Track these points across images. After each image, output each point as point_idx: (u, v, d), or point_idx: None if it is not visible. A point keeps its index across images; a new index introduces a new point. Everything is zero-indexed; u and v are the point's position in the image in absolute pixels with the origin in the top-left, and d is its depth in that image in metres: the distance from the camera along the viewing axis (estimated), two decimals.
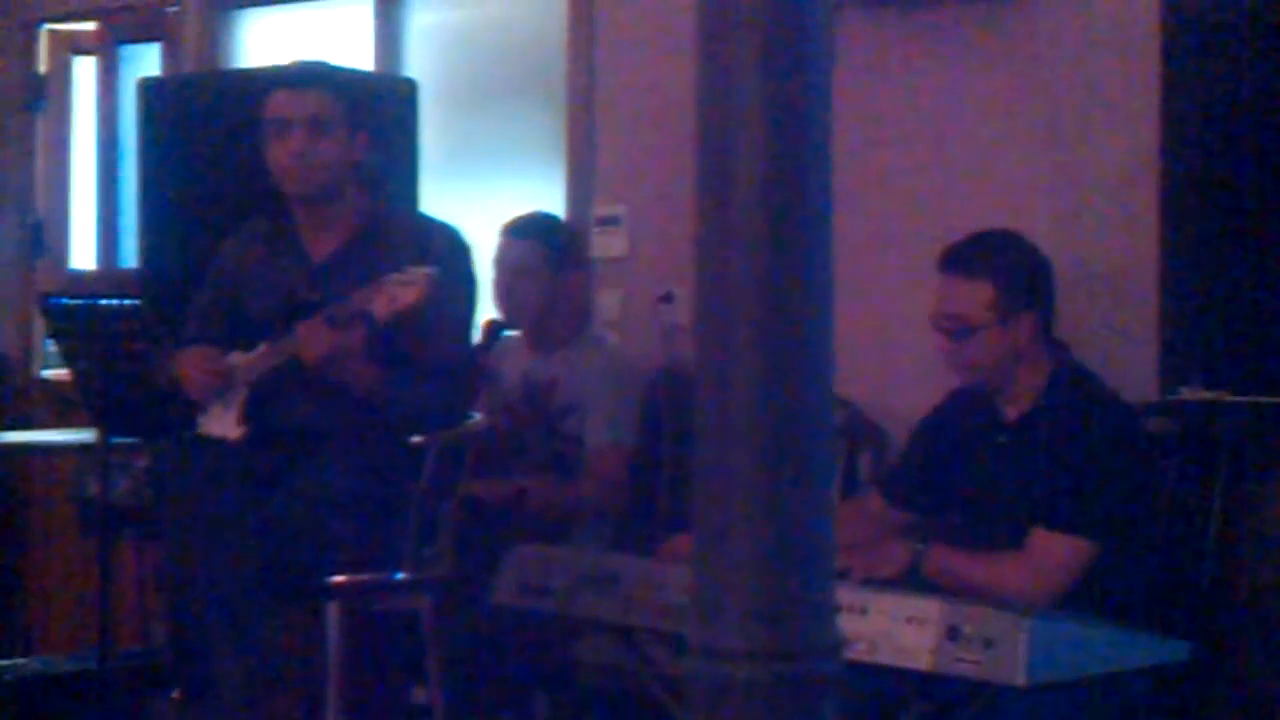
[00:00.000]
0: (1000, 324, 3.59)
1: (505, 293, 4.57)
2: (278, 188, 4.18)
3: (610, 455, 4.46)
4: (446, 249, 4.12)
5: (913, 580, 3.44)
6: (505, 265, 4.58)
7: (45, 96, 6.60)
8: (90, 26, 6.49)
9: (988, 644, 2.87)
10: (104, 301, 4.32)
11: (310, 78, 4.17)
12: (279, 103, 4.12)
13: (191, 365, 4.12)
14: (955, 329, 3.63)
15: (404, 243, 4.09)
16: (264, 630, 3.89)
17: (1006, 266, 3.62)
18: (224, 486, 3.96)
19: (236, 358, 4.13)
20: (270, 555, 3.88)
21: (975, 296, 3.60)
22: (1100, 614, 3.36)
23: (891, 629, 2.97)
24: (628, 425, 4.48)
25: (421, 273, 3.79)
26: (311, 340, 3.92)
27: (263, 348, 4.07)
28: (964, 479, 3.71)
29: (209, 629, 3.87)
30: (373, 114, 4.29)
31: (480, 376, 4.38)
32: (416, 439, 4.00)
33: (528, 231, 4.61)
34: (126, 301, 4.31)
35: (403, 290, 3.77)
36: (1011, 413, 3.66)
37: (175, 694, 4.25)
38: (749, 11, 1.65)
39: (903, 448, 3.94)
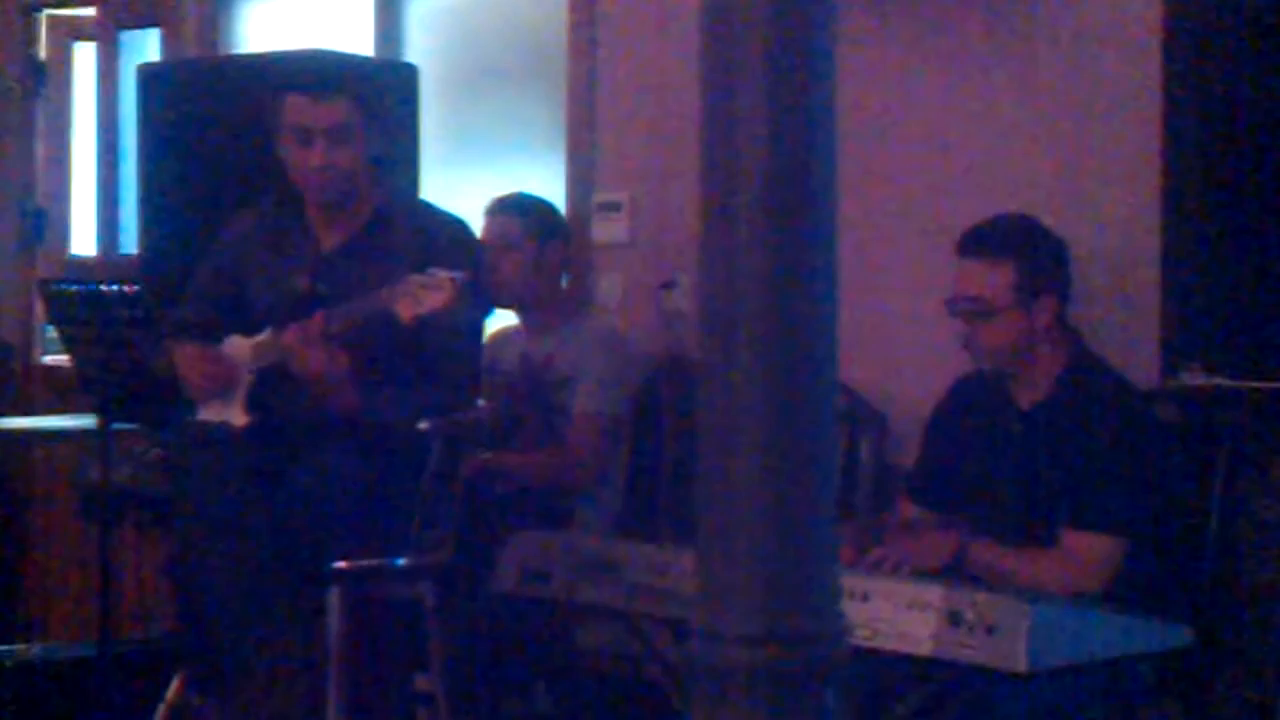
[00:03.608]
0: (1021, 306, 3.58)
1: (489, 270, 4.57)
2: (292, 184, 4.15)
3: (593, 424, 4.47)
4: (462, 246, 4.11)
5: (955, 572, 3.43)
6: (488, 242, 4.59)
7: (45, 83, 6.59)
8: (90, 12, 6.49)
9: (989, 630, 2.87)
10: (104, 287, 4.31)
11: (330, 85, 4.08)
12: (299, 110, 4.05)
13: (189, 367, 4.11)
14: (975, 311, 3.62)
15: (413, 235, 4.07)
16: (271, 619, 3.89)
17: (1028, 249, 3.61)
18: (228, 476, 3.96)
19: (237, 342, 4.12)
20: (275, 541, 3.88)
21: (997, 278, 3.59)
22: (1102, 600, 3.36)
23: (893, 614, 2.97)
24: (612, 396, 4.49)
25: (447, 277, 3.72)
26: (301, 355, 3.90)
27: (267, 335, 4.06)
28: (980, 468, 3.70)
29: (217, 619, 3.88)
30: (377, 102, 4.27)
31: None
32: (422, 425, 4.00)
33: (507, 208, 4.64)
34: (127, 287, 4.31)
35: (429, 294, 3.72)
36: (1026, 400, 3.65)
37: (177, 682, 4.26)
38: (752, 13, 1.64)
39: (919, 448, 3.92)
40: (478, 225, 4.47)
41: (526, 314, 4.66)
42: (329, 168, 4.05)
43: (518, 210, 4.63)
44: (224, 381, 4.08)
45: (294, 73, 4.22)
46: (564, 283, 4.74)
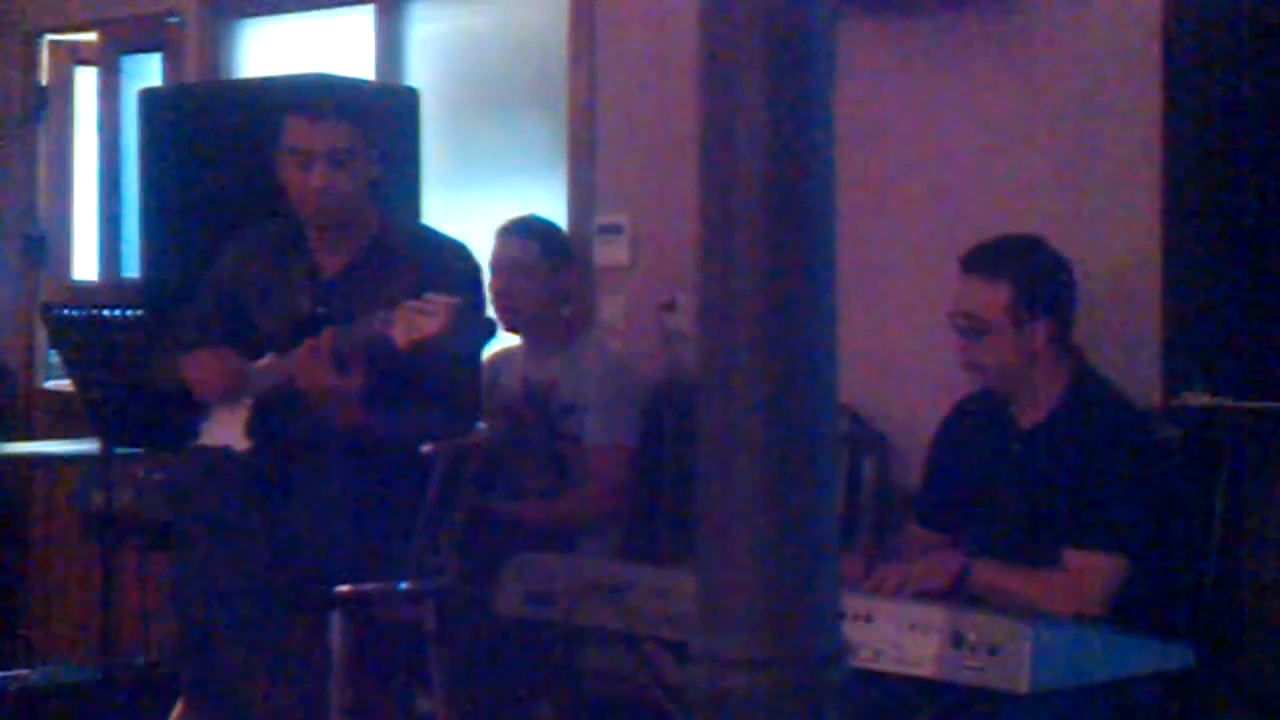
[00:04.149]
0: (1015, 327, 3.59)
1: (503, 292, 4.56)
2: (292, 207, 4.16)
3: (610, 456, 4.46)
4: (461, 271, 4.11)
5: (960, 593, 3.42)
6: (502, 264, 4.59)
7: (46, 107, 6.60)
8: (91, 37, 6.50)
9: (992, 650, 2.87)
10: (106, 311, 4.32)
11: (331, 108, 4.09)
12: (299, 133, 4.06)
13: (204, 367, 4.11)
14: (970, 328, 3.63)
15: (414, 260, 4.08)
16: (271, 639, 3.88)
17: (1026, 271, 3.62)
18: (231, 496, 3.96)
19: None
20: (277, 565, 3.88)
21: (992, 298, 3.60)
22: (1104, 620, 3.36)
23: (896, 636, 2.96)
24: (627, 426, 4.48)
25: (443, 301, 3.73)
26: (311, 372, 3.90)
27: (269, 359, 4.06)
28: (982, 489, 3.70)
29: (217, 638, 3.87)
30: (378, 126, 4.28)
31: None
32: (425, 448, 4.00)
33: (524, 231, 4.63)
34: (128, 311, 4.31)
35: (424, 319, 3.72)
36: (1027, 420, 3.66)
37: (180, 705, 4.25)
38: (751, 19, 1.65)
39: (924, 471, 3.92)
40: (478, 248, 4.47)
41: (530, 336, 4.66)
42: (328, 191, 4.05)
43: (535, 234, 4.63)
44: (236, 379, 4.07)
45: (294, 96, 4.23)
46: (580, 312, 4.74)
